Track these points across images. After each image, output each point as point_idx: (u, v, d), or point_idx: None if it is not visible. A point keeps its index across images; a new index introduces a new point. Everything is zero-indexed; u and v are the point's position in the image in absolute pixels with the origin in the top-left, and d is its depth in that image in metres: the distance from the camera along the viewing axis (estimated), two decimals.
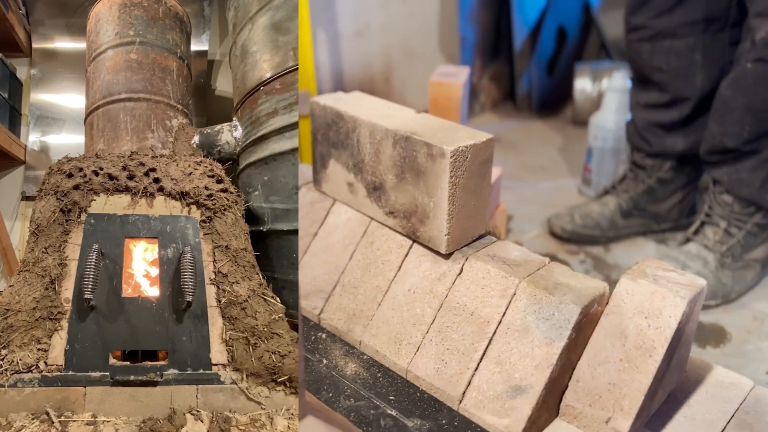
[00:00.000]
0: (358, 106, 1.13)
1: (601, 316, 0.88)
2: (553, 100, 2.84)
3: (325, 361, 1.07)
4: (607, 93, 1.95)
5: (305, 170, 1.29)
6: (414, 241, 1.06)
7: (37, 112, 2.68)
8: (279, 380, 1.50)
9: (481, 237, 1.06)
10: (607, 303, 0.89)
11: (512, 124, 2.63)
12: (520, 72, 2.71)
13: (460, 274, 0.99)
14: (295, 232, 1.81)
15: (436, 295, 1.00)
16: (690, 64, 1.54)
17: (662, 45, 1.55)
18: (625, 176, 1.75)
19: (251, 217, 1.90)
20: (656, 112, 1.63)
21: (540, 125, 2.61)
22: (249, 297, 1.60)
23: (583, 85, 2.60)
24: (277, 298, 1.67)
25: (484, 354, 0.92)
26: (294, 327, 1.62)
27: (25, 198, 2.60)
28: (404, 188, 1.03)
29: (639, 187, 1.68)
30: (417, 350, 0.99)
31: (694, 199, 1.70)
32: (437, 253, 1.02)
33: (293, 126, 1.81)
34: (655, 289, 0.83)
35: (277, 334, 1.56)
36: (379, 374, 1.02)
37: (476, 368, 0.93)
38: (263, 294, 1.64)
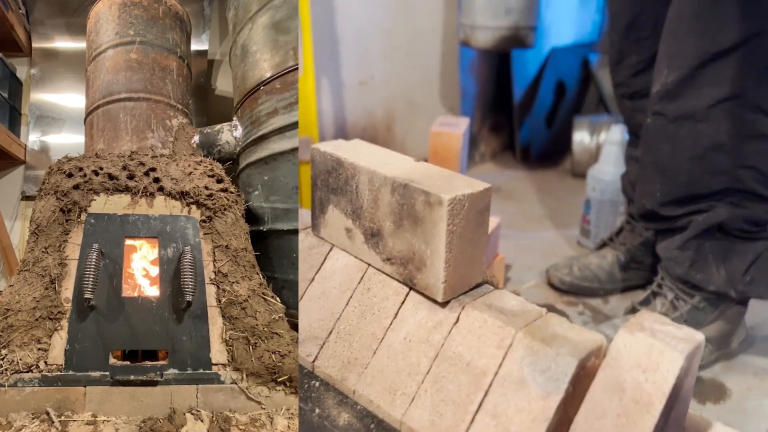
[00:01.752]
0: (358, 153, 1.14)
1: (598, 369, 0.87)
2: (552, 152, 2.87)
3: (317, 410, 1.06)
4: (605, 146, 1.94)
5: (304, 215, 1.30)
6: (411, 288, 1.05)
7: (37, 112, 2.68)
8: (279, 380, 1.50)
9: (478, 285, 1.05)
10: (604, 356, 0.88)
11: (512, 175, 2.66)
12: (520, 124, 2.74)
13: (456, 323, 0.99)
14: (295, 231, 1.81)
15: (432, 344, 0.99)
16: (676, 131, 1.50)
17: (641, 103, 1.51)
18: (623, 228, 1.71)
19: (251, 216, 1.90)
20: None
21: (539, 176, 2.63)
22: (249, 297, 1.60)
23: (581, 137, 2.61)
24: (277, 298, 1.67)
25: (479, 406, 0.91)
26: (294, 327, 1.62)
27: (25, 198, 2.60)
28: (402, 235, 1.03)
29: (636, 240, 1.65)
30: (412, 401, 0.98)
31: None
32: (434, 301, 1.01)
33: (293, 126, 1.81)
34: (652, 343, 0.82)
35: (277, 333, 1.56)
36: (372, 425, 1.01)
37: (472, 421, 0.91)
38: (263, 294, 1.64)
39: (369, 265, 1.13)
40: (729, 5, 1.11)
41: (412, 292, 1.05)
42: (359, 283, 1.13)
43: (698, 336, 0.85)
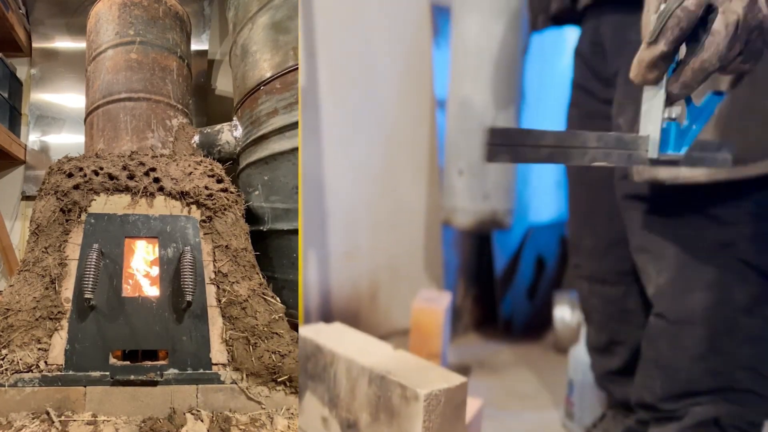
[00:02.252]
0: (337, 340, 1.15)
1: None
2: (535, 326, 2.90)
3: None
4: (584, 326, 1.93)
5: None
6: None
7: (37, 112, 2.68)
8: (279, 380, 1.50)
9: None
10: None
11: (495, 347, 2.65)
12: (501, 297, 2.79)
13: None
14: (295, 231, 1.81)
15: None
16: (622, 311, 1.50)
17: (595, 288, 1.52)
18: (605, 415, 1.67)
19: (251, 216, 1.90)
20: (601, 357, 1.58)
21: (523, 350, 2.61)
22: (249, 297, 1.60)
23: (562, 313, 2.62)
24: (277, 298, 1.67)
25: None
26: (294, 327, 1.62)
27: (25, 198, 2.60)
28: (378, 428, 1.02)
29: (618, 427, 1.60)
30: None
31: None
32: None
33: (293, 125, 1.81)
34: None
35: (277, 333, 1.56)
36: None
37: None
38: (263, 294, 1.64)
39: None
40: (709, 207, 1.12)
41: None
42: None
43: None
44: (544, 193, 2.91)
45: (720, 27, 0.70)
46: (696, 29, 0.73)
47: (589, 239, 1.50)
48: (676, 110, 0.77)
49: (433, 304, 1.87)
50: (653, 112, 0.77)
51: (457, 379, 1.00)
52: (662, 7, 0.72)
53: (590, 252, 1.51)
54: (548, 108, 2.74)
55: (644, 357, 1.32)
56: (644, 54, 0.73)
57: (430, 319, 1.86)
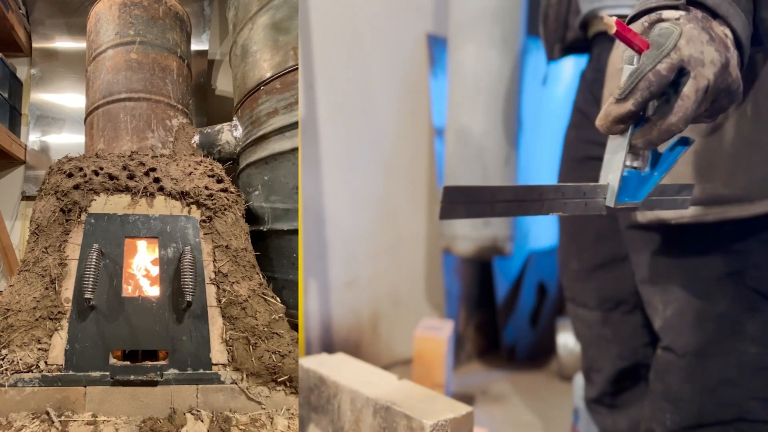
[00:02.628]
0: (340, 371, 1.14)
1: None
2: (539, 352, 2.89)
3: None
4: None
5: None
6: None
7: (37, 112, 2.68)
8: (279, 380, 1.50)
9: None
10: None
11: (499, 375, 2.63)
12: (504, 324, 2.78)
13: None
14: (296, 231, 1.81)
15: None
16: (600, 337, 1.48)
17: (577, 311, 1.51)
18: None
19: (251, 216, 1.90)
20: (585, 383, 1.56)
21: (526, 378, 2.60)
22: (249, 297, 1.60)
23: (565, 340, 2.60)
24: (278, 298, 1.67)
25: None
26: (294, 327, 1.62)
27: (26, 198, 2.59)
28: None
29: None
30: None
31: None
32: None
33: (293, 125, 1.81)
34: None
35: (277, 333, 1.56)
36: None
37: None
38: (263, 294, 1.64)
39: None
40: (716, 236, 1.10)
41: None
42: None
43: None
44: (543, 219, 2.90)
45: (690, 92, 0.71)
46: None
47: (575, 262, 1.49)
48: (638, 160, 0.77)
49: (435, 333, 1.86)
50: (615, 161, 0.76)
51: (463, 408, 1.00)
52: (634, 63, 0.72)
53: (574, 275, 1.49)
54: (545, 133, 2.77)
55: (652, 390, 1.30)
56: (611, 108, 0.73)
57: (433, 348, 1.85)
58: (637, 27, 0.76)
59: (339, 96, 2.29)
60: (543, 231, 2.95)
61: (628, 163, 0.76)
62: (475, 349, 2.87)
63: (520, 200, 0.73)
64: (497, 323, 2.77)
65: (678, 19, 0.72)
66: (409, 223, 2.58)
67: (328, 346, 2.29)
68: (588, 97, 1.41)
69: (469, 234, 2.30)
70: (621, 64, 0.76)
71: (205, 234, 1.67)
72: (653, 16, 0.74)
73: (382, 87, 2.46)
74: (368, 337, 2.45)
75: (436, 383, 1.85)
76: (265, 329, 1.56)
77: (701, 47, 0.71)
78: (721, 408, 1.21)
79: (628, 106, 0.71)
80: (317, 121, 2.18)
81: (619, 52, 0.78)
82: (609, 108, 0.73)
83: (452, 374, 2.14)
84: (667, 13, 0.74)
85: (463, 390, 2.40)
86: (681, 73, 0.72)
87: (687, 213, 1.05)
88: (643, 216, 1.17)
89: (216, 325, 1.56)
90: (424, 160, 2.61)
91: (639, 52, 0.72)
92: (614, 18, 0.71)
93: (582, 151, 1.41)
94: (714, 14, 0.74)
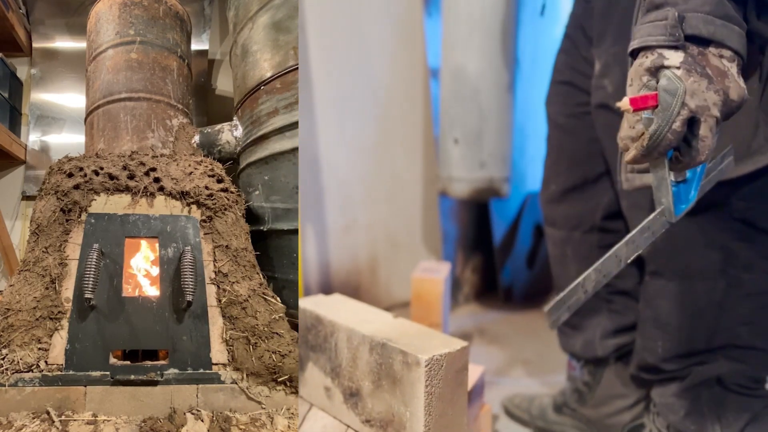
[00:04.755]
0: (337, 310, 1.15)
1: None
2: (535, 292, 2.89)
3: None
4: None
5: None
6: None
7: (37, 112, 2.68)
8: (279, 380, 1.50)
9: None
10: None
11: (496, 316, 2.65)
12: (501, 265, 2.78)
13: None
14: (296, 231, 1.81)
15: None
16: (563, 256, 1.55)
17: (548, 230, 1.60)
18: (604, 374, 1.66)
19: (252, 216, 1.90)
20: None
21: (523, 317, 2.61)
22: (249, 296, 1.60)
23: None
24: (278, 298, 1.67)
25: None
26: (294, 327, 1.62)
27: (26, 197, 2.60)
28: (381, 396, 1.02)
29: (571, 385, 1.63)
30: None
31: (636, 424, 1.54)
32: None
33: (294, 125, 1.81)
34: None
35: (277, 333, 1.56)
36: None
37: None
38: (264, 293, 1.64)
39: (348, 426, 1.11)
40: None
41: None
42: None
43: None
44: (540, 160, 2.86)
45: (705, 132, 0.83)
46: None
47: (553, 185, 1.55)
48: (680, 175, 0.89)
49: (433, 275, 1.87)
50: (663, 187, 0.88)
51: (458, 343, 1.01)
52: (651, 128, 0.82)
53: (551, 196, 1.56)
54: (544, 67, 2.70)
55: (642, 318, 1.33)
56: (639, 158, 0.85)
57: (430, 289, 1.86)
58: (639, 72, 0.85)
59: (331, 39, 2.23)
60: (539, 173, 2.90)
61: (673, 181, 0.88)
62: (473, 290, 2.87)
63: (606, 273, 0.86)
64: (494, 264, 2.77)
65: (678, 68, 0.82)
66: (405, 167, 2.55)
67: (327, 290, 2.27)
68: (576, 26, 1.46)
69: (465, 176, 2.28)
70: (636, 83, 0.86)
71: (205, 234, 1.67)
72: (656, 59, 0.84)
73: (376, 27, 2.40)
74: (367, 280, 2.44)
75: (434, 323, 1.86)
76: (265, 329, 1.56)
77: (703, 95, 0.82)
78: (712, 333, 1.23)
79: (653, 156, 0.84)
80: (309, 66, 2.14)
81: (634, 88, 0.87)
82: (638, 158, 0.85)
83: (449, 315, 2.13)
84: (668, 55, 0.83)
85: (460, 330, 2.41)
86: (693, 120, 0.83)
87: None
88: (630, 184, 1.21)
89: (216, 324, 1.56)
90: (419, 102, 2.56)
91: (653, 109, 0.83)
92: (626, 100, 0.82)
93: (567, 76, 1.47)
94: (709, 42, 0.84)
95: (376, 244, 2.47)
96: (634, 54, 0.88)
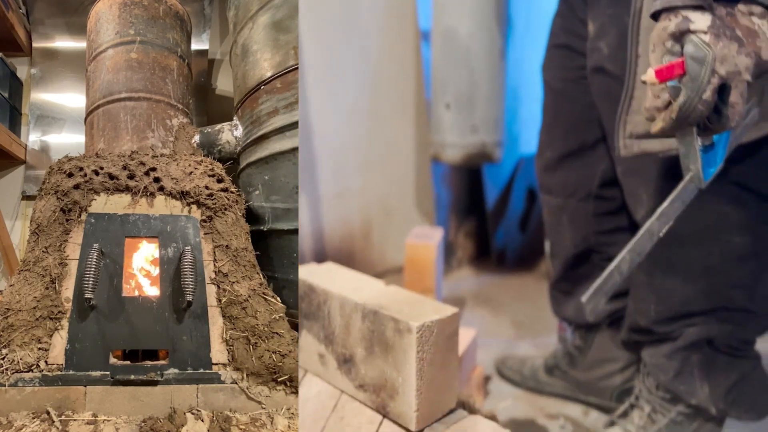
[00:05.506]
0: (330, 279, 1.16)
1: None
2: (528, 256, 2.90)
3: None
4: None
5: None
6: (384, 416, 1.05)
7: (37, 112, 2.68)
8: (279, 380, 1.50)
9: (451, 411, 1.06)
10: None
11: (489, 279, 2.66)
12: (494, 229, 2.79)
13: None
14: (296, 231, 1.81)
15: None
16: (558, 223, 1.55)
17: (544, 197, 1.58)
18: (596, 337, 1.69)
19: (252, 216, 1.90)
20: (552, 274, 1.63)
21: (516, 280, 2.63)
22: (249, 296, 1.60)
23: None
24: (278, 298, 1.67)
25: None
26: (294, 326, 1.62)
27: (26, 197, 2.60)
28: (373, 362, 1.04)
29: (563, 348, 1.66)
30: None
31: (627, 385, 1.55)
32: (407, 429, 1.01)
33: (294, 125, 1.81)
34: None
35: (277, 333, 1.56)
36: None
37: None
38: (264, 293, 1.64)
39: (342, 391, 1.13)
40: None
41: (385, 420, 1.04)
42: (332, 411, 1.12)
43: None
44: (533, 124, 2.84)
45: (736, 99, 0.79)
46: None
47: (549, 151, 1.53)
48: (708, 138, 0.86)
49: (426, 240, 1.88)
50: (691, 153, 0.85)
51: (448, 310, 1.02)
52: (680, 99, 0.78)
53: (547, 163, 1.54)
54: (538, 32, 2.66)
55: (636, 281, 1.33)
56: (668, 130, 0.82)
57: (423, 254, 1.86)
58: (662, 37, 0.80)
59: (321, 1, 2.19)
60: (533, 136, 2.86)
61: (700, 145, 0.84)
62: (466, 254, 2.88)
63: (640, 251, 0.85)
64: (487, 229, 2.78)
65: (705, 32, 0.77)
66: (397, 133, 2.53)
67: (321, 256, 2.28)
68: None
69: (458, 141, 2.26)
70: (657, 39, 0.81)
71: (205, 234, 1.67)
72: (681, 23, 0.79)
73: None
74: (360, 246, 2.44)
75: (427, 288, 1.88)
76: (266, 329, 1.56)
77: (734, 61, 0.77)
78: (704, 297, 1.23)
79: (685, 126, 0.80)
80: (299, 30, 2.13)
81: (659, 30, 0.82)
82: (667, 130, 0.82)
83: (443, 279, 2.13)
84: (694, 18, 0.78)
85: (454, 294, 2.42)
86: (722, 86, 0.78)
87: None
88: (628, 150, 1.19)
89: (216, 324, 1.56)
90: (411, 66, 2.53)
91: (680, 77, 0.79)
92: (651, 72, 0.78)
93: (564, 39, 1.45)
94: None
95: (369, 210, 2.46)
96: (656, 16, 0.83)
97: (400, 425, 1.02)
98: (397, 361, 0.99)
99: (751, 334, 1.28)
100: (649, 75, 0.78)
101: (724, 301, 1.23)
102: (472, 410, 1.12)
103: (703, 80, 0.76)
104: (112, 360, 1.46)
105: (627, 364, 1.51)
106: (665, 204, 0.86)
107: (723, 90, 0.78)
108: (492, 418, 1.15)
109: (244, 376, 1.50)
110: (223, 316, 1.57)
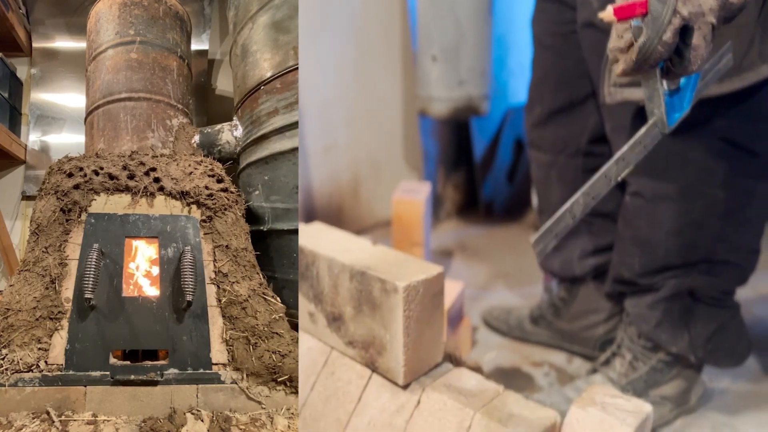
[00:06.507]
0: (318, 239, 1.18)
1: None
2: (515, 207, 2.91)
3: None
4: None
5: None
6: (373, 371, 1.08)
7: (37, 112, 2.68)
8: (279, 380, 1.51)
9: (438, 365, 1.09)
10: (559, 431, 0.92)
11: (477, 231, 2.68)
12: (482, 181, 2.79)
13: (417, 405, 1.02)
14: (296, 231, 1.81)
15: (395, 428, 1.01)
16: (547, 179, 1.56)
17: (533, 153, 1.59)
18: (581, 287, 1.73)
19: (252, 216, 1.90)
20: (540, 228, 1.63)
21: (503, 231, 2.65)
22: (249, 296, 1.60)
23: None
24: (278, 298, 1.67)
25: None
26: (294, 327, 1.62)
27: (26, 197, 2.60)
28: (362, 320, 1.06)
29: (548, 299, 1.69)
30: None
31: (610, 336, 1.58)
32: (395, 384, 1.04)
33: (294, 125, 1.81)
34: (603, 418, 0.88)
35: (277, 333, 1.57)
36: None
37: None
38: (263, 293, 1.64)
39: (332, 348, 1.15)
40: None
41: (374, 375, 1.08)
42: (323, 366, 1.15)
43: (646, 407, 0.91)
44: (521, 74, 2.78)
45: (699, 42, 0.77)
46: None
47: (539, 107, 1.53)
48: (673, 82, 0.83)
49: (413, 196, 1.89)
50: (655, 97, 0.82)
51: (434, 269, 1.04)
52: (640, 39, 0.76)
53: (536, 119, 1.54)
54: None
55: (621, 236, 1.35)
56: (630, 72, 0.79)
57: (411, 210, 1.88)
58: None
59: None
60: (520, 86, 2.80)
61: (666, 89, 0.82)
62: (454, 206, 2.89)
63: (595, 195, 0.82)
64: (475, 181, 2.78)
65: None
66: (384, 87, 2.52)
67: (310, 212, 2.29)
68: None
69: (444, 95, 2.25)
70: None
71: (205, 234, 1.67)
72: None
73: None
74: (349, 201, 2.45)
75: (414, 243, 1.90)
76: (265, 329, 1.56)
77: (698, 1, 0.75)
78: (688, 250, 1.25)
79: (645, 70, 0.78)
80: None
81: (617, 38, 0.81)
82: (628, 71, 0.79)
83: (430, 233, 2.16)
84: None
85: (442, 246, 2.43)
86: (686, 28, 0.76)
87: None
88: (612, 98, 1.20)
89: (216, 324, 1.56)
90: (397, 18, 2.51)
91: (642, 16, 0.76)
92: (609, 9, 0.76)
93: (546, 8, 1.44)
94: None
95: (357, 165, 2.46)
96: None
97: (388, 379, 1.05)
98: (384, 319, 1.01)
99: (732, 285, 1.31)
100: (607, 12, 0.76)
101: (707, 254, 1.24)
102: (458, 362, 1.15)
103: (664, 20, 0.74)
104: (112, 360, 1.46)
105: (610, 316, 1.55)
106: (625, 148, 0.83)
107: (686, 32, 0.76)
108: (477, 369, 1.19)
109: (244, 376, 1.50)
110: (223, 316, 1.57)
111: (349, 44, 2.37)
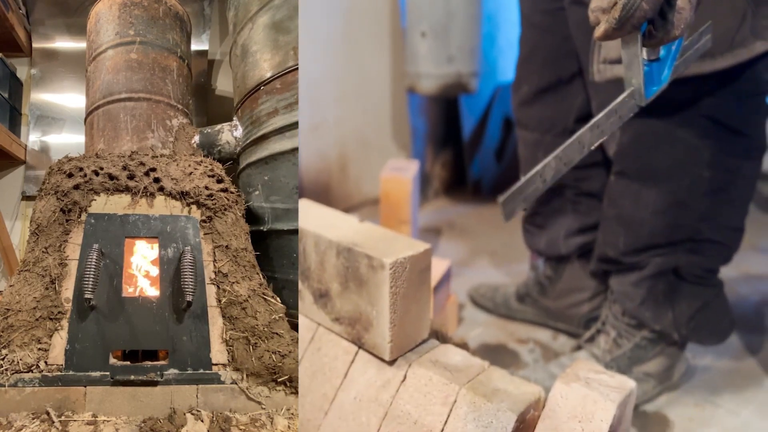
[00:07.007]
0: (304, 216, 1.18)
1: (537, 420, 0.91)
2: (503, 185, 2.86)
3: None
4: None
5: None
6: (360, 347, 1.09)
7: (37, 112, 2.68)
8: (279, 380, 1.51)
9: (424, 342, 1.10)
10: (543, 407, 0.92)
11: (464, 209, 2.69)
12: (470, 159, 2.79)
13: (403, 381, 1.02)
14: (296, 231, 1.81)
15: (381, 404, 1.02)
16: (534, 158, 1.55)
17: (520, 132, 1.60)
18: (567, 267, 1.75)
19: (252, 216, 1.90)
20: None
21: (491, 210, 2.65)
22: (249, 297, 1.60)
23: None
24: (278, 298, 1.67)
25: None
26: (294, 327, 1.62)
27: (26, 198, 2.60)
28: (348, 296, 1.06)
29: (534, 277, 1.70)
30: None
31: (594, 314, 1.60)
32: (382, 359, 1.05)
33: (294, 125, 1.81)
34: (587, 393, 0.87)
35: (277, 333, 1.57)
36: None
37: None
38: (263, 294, 1.64)
39: (319, 324, 1.16)
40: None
41: (361, 351, 1.08)
42: (310, 342, 1.15)
43: (630, 383, 0.91)
44: (510, 51, 2.76)
45: (684, 3, 0.75)
46: None
47: (526, 86, 1.53)
48: (653, 53, 0.81)
49: (401, 174, 1.89)
50: (634, 65, 0.80)
51: (421, 246, 1.04)
52: None
53: (523, 98, 1.54)
54: None
55: (606, 215, 1.36)
56: (612, 33, 0.77)
57: (399, 188, 1.88)
58: None
59: None
60: (510, 64, 2.78)
61: (645, 59, 0.80)
62: (442, 184, 2.89)
63: (567, 161, 0.79)
64: (463, 159, 2.78)
65: None
66: (372, 64, 2.51)
67: (298, 190, 2.28)
68: None
69: (433, 72, 2.24)
70: None
71: (205, 234, 1.67)
72: None
73: None
74: (337, 179, 2.45)
75: (402, 221, 1.90)
76: (265, 329, 1.56)
77: None
78: (673, 229, 1.26)
79: (627, 29, 0.76)
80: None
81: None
82: (610, 32, 0.77)
83: (418, 211, 2.16)
84: None
85: (430, 224, 2.44)
86: None
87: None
88: (601, 75, 1.20)
89: (216, 325, 1.56)
90: None
91: None
92: None
93: None
94: None
95: (345, 142, 2.46)
96: None
97: (374, 355, 1.06)
98: (371, 295, 1.01)
99: (716, 264, 1.32)
100: None
101: (691, 233, 1.25)
102: (444, 339, 1.16)
103: None
104: (112, 360, 1.46)
105: (595, 294, 1.57)
106: (600, 115, 0.81)
107: None
108: (463, 345, 1.19)
109: (244, 376, 1.50)
110: (223, 317, 1.57)
111: (338, 20, 2.35)
